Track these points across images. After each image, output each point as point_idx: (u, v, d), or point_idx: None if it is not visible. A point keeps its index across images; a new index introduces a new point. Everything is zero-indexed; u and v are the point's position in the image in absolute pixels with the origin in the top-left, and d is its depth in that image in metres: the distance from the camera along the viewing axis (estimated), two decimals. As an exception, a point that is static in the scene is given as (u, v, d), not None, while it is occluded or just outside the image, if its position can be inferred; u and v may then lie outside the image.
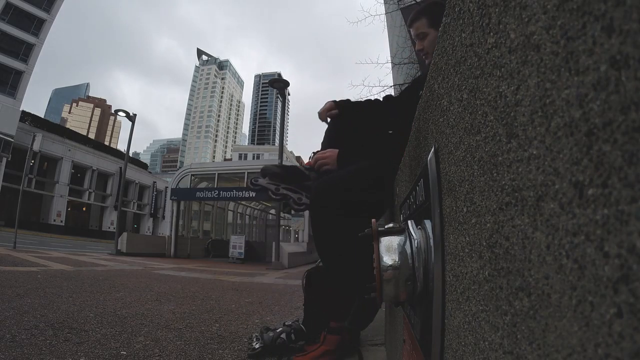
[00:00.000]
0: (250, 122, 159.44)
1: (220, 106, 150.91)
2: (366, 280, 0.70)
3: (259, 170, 1.57)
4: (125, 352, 1.58)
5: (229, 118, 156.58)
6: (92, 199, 32.54)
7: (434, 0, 1.50)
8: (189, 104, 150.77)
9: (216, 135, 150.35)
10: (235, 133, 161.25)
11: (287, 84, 9.43)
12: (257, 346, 1.67)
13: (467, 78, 0.37)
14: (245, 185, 13.35)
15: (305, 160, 1.69)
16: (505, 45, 0.28)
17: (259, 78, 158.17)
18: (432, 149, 0.52)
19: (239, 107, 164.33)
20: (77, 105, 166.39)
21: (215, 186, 13.84)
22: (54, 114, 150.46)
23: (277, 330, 1.73)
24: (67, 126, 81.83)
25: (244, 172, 13.71)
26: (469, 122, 0.37)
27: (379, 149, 1.42)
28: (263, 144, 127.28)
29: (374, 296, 0.58)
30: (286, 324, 1.80)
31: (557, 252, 0.20)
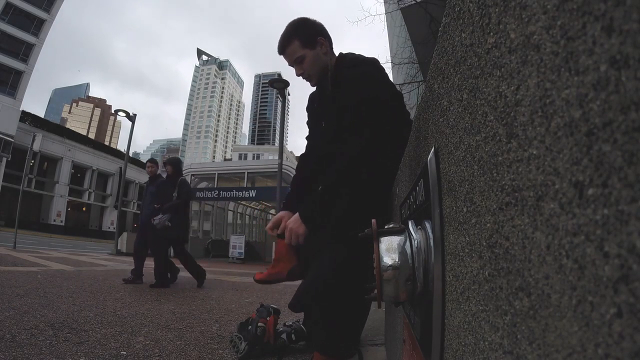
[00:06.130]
0: (250, 122, 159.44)
1: (220, 106, 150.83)
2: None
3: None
4: (125, 352, 1.58)
5: (229, 118, 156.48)
6: (92, 199, 32.54)
7: (295, 21, 1.39)
8: (189, 104, 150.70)
9: (216, 136, 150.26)
10: (235, 133, 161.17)
11: (287, 84, 9.41)
12: (243, 346, 1.63)
13: (467, 78, 0.37)
14: (245, 185, 13.35)
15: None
16: (505, 45, 0.28)
17: (259, 78, 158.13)
18: (432, 149, 0.52)
19: (239, 107, 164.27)
20: (77, 105, 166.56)
21: (215, 186, 13.83)
22: (54, 114, 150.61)
23: (279, 330, 1.73)
24: (67, 126, 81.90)
25: (244, 172, 13.70)
26: (469, 122, 0.37)
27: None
28: (263, 144, 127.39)
29: (374, 296, 0.58)
30: (286, 324, 1.80)
31: (557, 252, 0.20)
